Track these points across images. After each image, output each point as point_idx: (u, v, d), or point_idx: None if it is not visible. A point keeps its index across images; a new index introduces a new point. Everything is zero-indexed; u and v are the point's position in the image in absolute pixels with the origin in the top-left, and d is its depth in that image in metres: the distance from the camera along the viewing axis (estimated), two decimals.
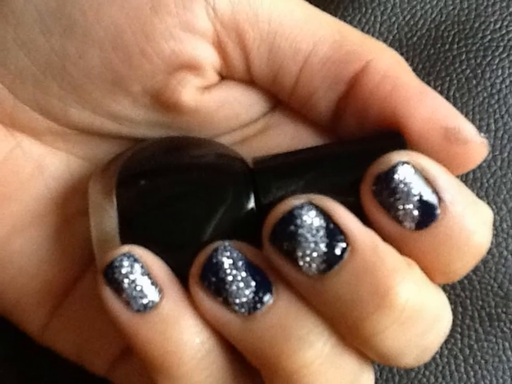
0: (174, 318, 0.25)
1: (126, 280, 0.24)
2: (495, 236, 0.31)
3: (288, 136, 0.28)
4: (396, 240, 0.24)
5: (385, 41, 0.33)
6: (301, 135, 0.28)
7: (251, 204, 0.25)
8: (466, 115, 0.32)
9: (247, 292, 0.24)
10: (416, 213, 0.24)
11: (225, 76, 0.27)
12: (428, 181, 0.24)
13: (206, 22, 0.26)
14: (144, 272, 0.25)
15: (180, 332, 0.25)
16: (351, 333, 0.24)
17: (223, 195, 0.25)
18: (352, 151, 0.26)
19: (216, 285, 0.24)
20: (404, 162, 0.24)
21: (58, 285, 0.28)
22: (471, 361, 0.31)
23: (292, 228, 0.24)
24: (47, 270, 0.28)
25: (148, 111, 0.27)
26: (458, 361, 0.31)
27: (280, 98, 0.28)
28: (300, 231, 0.24)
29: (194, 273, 0.25)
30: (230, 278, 0.24)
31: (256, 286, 0.24)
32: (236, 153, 0.27)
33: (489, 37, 0.33)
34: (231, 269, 0.24)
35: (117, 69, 0.26)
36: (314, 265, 0.24)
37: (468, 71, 0.32)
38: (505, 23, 0.33)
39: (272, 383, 0.25)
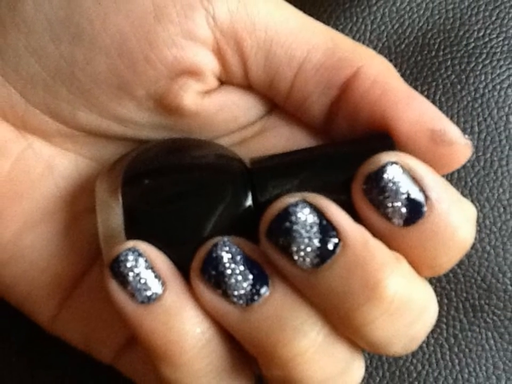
0: (176, 309, 0.25)
1: (131, 274, 0.24)
2: (479, 231, 0.31)
3: (283, 138, 0.28)
4: (385, 236, 0.24)
5: (375, 48, 0.33)
6: (296, 136, 0.28)
7: (249, 202, 0.25)
8: (451, 118, 0.32)
9: (245, 284, 0.24)
10: (404, 210, 0.24)
11: (224, 81, 0.27)
12: (415, 180, 0.24)
13: (206, 30, 0.26)
14: (148, 266, 0.25)
15: (182, 322, 0.25)
16: (343, 323, 0.24)
17: (222, 193, 0.25)
18: (344, 151, 0.26)
19: (216, 278, 0.24)
20: (392, 163, 0.24)
21: (67, 278, 0.28)
22: (455, 350, 0.31)
23: (287, 224, 0.24)
24: (56, 264, 0.28)
25: (151, 114, 0.27)
26: (443, 350, 0.31)
27: (276, 102, 0.28)
28: (295, 227, 0.24)
29: (195, 267, 0.25)
30: (229, 271, 0.24)
31: (253, 279, 0.24)
32: (234, 154, 0.27)
33: (472, 45, 0.33)
34: (230, 263, 0.24)
35: (122, 75, 0.26)
36: (308, 260, 0.24)
37: (453, 76, 0.32)
38: (488, 31, 0.33)
39: (268, 370, 0.25)
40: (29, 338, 0.31)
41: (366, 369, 0.31)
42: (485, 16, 0.33)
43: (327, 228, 0.24)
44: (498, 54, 0.32)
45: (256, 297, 0.24)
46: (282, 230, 0.24)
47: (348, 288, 0.24)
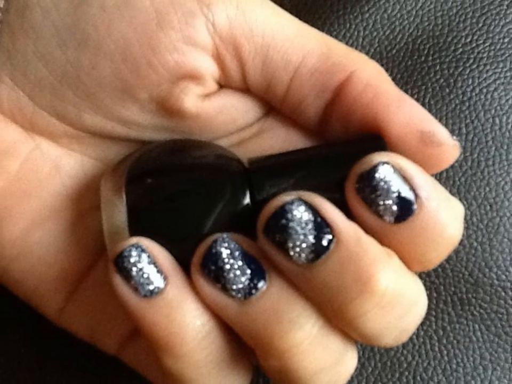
0: (177, 302, 0.25)
1: (134, 268, 0.24)
2: (466, 228, 0.31)
3: (280, 139, 0.28)
4: (376, 232, 0.24)
5: (367, 53, 0.33)
6: (292, 138, 0.28)
7: (247, 200, 0.25)
8: (440, 120, 0.32)
9: (243, 279, 0.24)
10: (395, 208, 0.24)
11: (223, 84, 0.27)
12: (406, 179, 0.24)
13: (206, 37, 0.26)
14: (151, 261, 0.25)
15: (183, 315, 0.25)
16: (336, 316, 0.24)
17: (221, 192, 0.25)
18: (337, 152, 0.26)
19: (215, 273, 0.24)
20: (384, 163, 0.24)
21: (73, 272, 0.28)
22: (444, 341, 0.31)
23: (284, 221, 0.24)
24: (63, 259, 0.28)
25: (154, 116, 0.27)
26: (433, 341, 0.31)
27: (273, 105, 0.28)
28: (291, 224, 0.24)
29: (196, 262, 0.25)
30: (227, 266, 0.24)
31: (251, 274, 0.24)
32: (233, 154, 0.27)
33: (460, 50, 0.33)
34: (229, 258, 0.24)
35: (126, 79, 0.26)
36: (303, 255, 0.24)
37: (442, 80, 0.32)
38: (475, 37, 0.33)
39: (265, 361, 0.25)
40: (37, 330, 0.31)
41: (359, 360, 0.31)
42: (472, 23, 0.33)
43: (321, 224, 0.24)
44: (485, 59, 0.33)
45: (253, 291, 0.24)
46: (279, 227, 0.24)
47: (341, 282, 0.24)
